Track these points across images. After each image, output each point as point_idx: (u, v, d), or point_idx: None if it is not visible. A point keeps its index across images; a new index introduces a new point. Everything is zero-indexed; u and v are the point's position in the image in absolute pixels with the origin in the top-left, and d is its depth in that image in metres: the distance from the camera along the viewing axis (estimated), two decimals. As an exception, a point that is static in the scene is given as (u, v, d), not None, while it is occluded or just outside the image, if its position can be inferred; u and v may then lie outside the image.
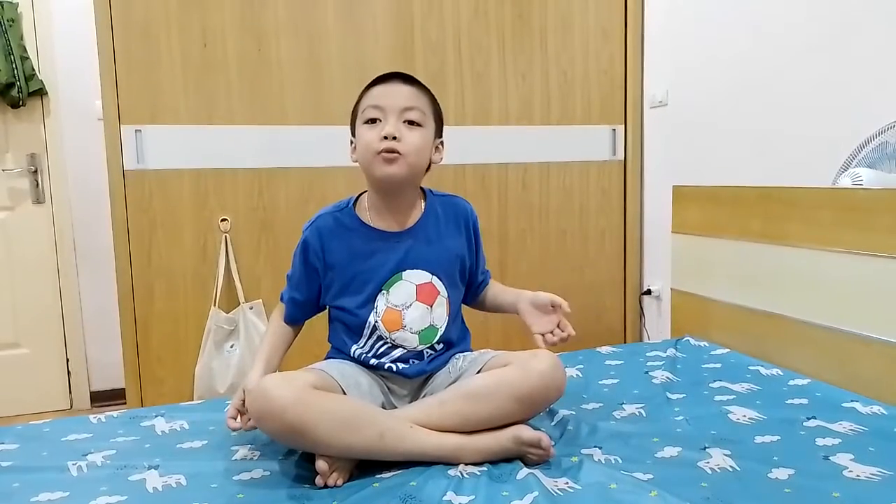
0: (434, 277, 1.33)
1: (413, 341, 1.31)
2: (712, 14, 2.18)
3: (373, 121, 1.26)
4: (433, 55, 2.28)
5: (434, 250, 1.34)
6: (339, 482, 1.09)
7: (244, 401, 1.21)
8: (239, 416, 1.23)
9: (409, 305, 1.30)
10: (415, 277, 1.31)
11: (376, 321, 1.30)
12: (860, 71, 1.72)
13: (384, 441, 1.12)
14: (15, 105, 2.56)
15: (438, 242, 1.35)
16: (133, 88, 2.01)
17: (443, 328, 1.33)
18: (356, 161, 1.31)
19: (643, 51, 2.50)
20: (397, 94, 1.26)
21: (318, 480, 1.08)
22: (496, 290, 1.49)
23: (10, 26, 2.50)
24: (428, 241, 1.34)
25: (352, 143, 1.33)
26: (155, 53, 2.02)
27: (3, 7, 2.49)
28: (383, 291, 1.30)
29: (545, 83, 2.42)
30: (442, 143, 1.35)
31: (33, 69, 2.58)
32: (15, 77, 2.51)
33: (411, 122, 1.26)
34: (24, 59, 2.54)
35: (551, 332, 1.30)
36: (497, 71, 2.36)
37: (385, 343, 1.31)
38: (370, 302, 1.30)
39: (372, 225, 1.32)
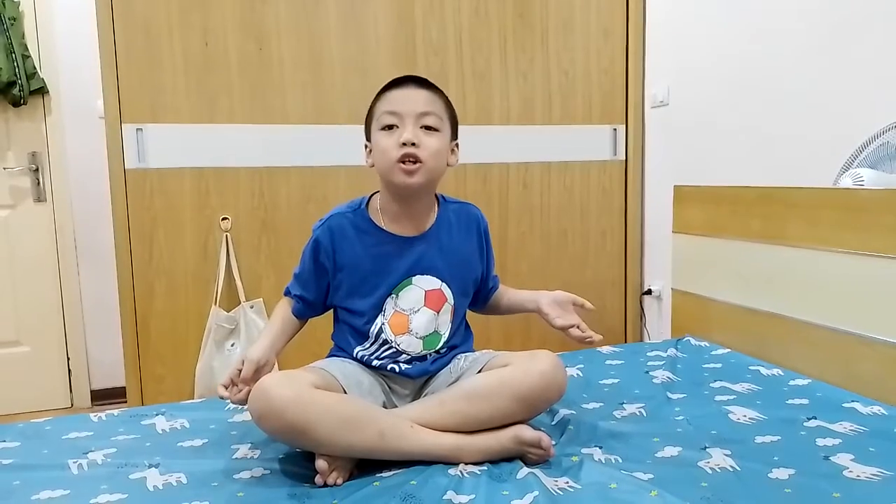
0: (443, 284, 1.33)
1: (417, 346, 1.31)
2: (713, 14, 2.18)
3: (389, 127, 1.25)
4: (434, 55, 2.28)
5: (445, 257, 1.34)
6: (339, 481, 1.09)
7: (240, 371, 1.21)
8: (231, 386, 1.22)
9: (417, 311, 1.30)
10: (424, 283, 1.31)
11: (383, 324, 1.30)
12: (861, 71, 1.72)
13: (385, 440, 1.12)
14: (16, 103, 2.57)
15: (450, 250, 1.35)
16: (134, 87, 2.01)
17: (446, 335, 1.34)
18: (372, 166, 1.30)
19: (644, 50, 2.50)
20: (413, 99, 1.25)
21: (318, 479, 1.08)
22: (509, 292, 1.49)
23: (12, 24, 2.50)
24: (440, 247, 1.34)
25: (366, 146, 1.32)
26: (156, 52, 2.02)
27: (4, 5, 2.49)
28: (392, 295, 1.30)
29: (546, 83, 2.42)
30: (457, 144, 1.35)
31: (35, 67, 2.58)
32: (16, 75, 2.51)
33: (428, 128, 1.25)
34: (26, 57, 2.54)
35: (578, 327, 1.33)
36: (498, 70, 2.36)
37: (389, 348, 1.30)
38: (379, 305, 1.30)
39: (385, 228, 1.31)
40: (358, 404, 1.17)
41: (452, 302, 1.34)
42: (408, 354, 1.30)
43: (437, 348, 1.33)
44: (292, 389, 1.09)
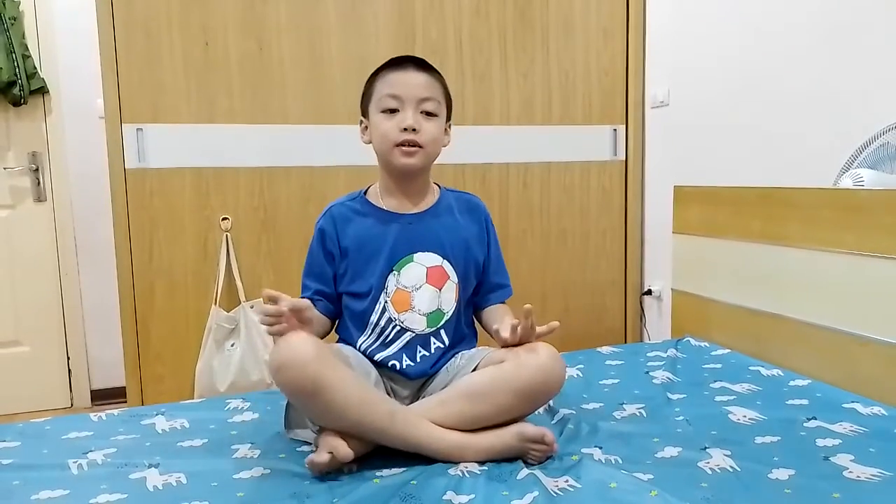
0: (445, 261, 1.34)
1: (421, 323, 1.32)
2: (713, 14, 2.18)
3: (390, 110, 1.28)
4: (434, 54, 2.27)
5: (446, 235, 1.36)
6: (351, 456, 1.08)
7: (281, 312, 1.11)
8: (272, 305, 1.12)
9: (419, 287, 1.32)
10: (426, 260, 1.33)
11: (386, 301, 1.31)
12: (861, 71, 1.72)
13: (394, 422, 1.13)
14: (16, 103, 2.56)
15: (451, 229, 1.37)
16: (134, 87, 2.01)
17: (450, 313, 1.34)
18: (368, 143, 1.34)
19: (644, 51, 2.50)
20: (414, 83, 1.29)
21: (320, 457, 1.08)
22: (499, 312, 1.42)
23: (12, 24, 2.50)
24: (441, 225, 1.36)
25: (361, 122, 1.36)
26: (156, 52, 2.02)
27: (4, 5, 2.49)
28: (394, 272, 1.32)
29: (546, 83, 2.42)
30: (450, 125, 1.38)
31: (35, 67, 2.58)
32: (16, 75, 2.51)
33: (428, 113, 1.29)
34: (26, 57, 2.54)
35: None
36: (498, 70, 2.36)
37: (394, 327, 1.31)
38: (381, 282, 1.31)
39: (385, 207, 1.35)
40: (372, 388, 1.20)
41: (456, 280, 1.35)
42: (412, 332, 1.31)
43: (441, 325, 1.33)
44: (316, 346, 1.10)
